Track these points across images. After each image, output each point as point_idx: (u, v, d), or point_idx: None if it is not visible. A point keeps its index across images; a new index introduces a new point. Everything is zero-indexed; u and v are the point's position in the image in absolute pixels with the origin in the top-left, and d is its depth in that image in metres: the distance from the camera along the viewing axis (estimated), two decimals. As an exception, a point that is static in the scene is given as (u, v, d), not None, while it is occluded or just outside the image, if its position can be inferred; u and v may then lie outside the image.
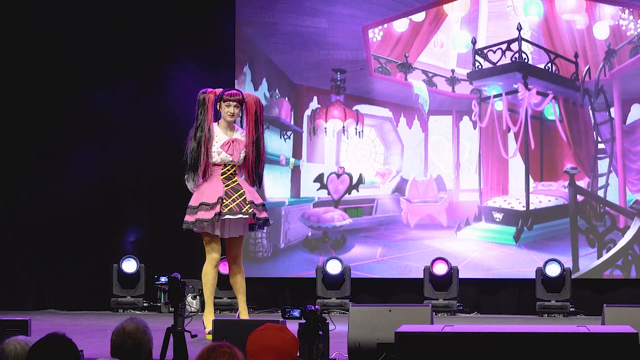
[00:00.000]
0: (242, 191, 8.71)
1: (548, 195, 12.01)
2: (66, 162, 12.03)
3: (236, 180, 8.76)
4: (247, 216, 8.71)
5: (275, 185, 12.28)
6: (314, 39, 12.24)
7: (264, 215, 8.80)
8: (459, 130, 12.18)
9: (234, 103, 8.70)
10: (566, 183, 11.94)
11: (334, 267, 11.68)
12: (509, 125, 12.05)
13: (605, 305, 7.44)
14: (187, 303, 6.51)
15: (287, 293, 12.14)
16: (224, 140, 8.72)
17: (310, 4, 12.24)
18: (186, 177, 8.81)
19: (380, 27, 12.25)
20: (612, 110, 11.88)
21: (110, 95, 12.08)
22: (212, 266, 8.73)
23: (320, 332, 6.26)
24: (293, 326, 5.69)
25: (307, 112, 12.30)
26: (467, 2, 12.18)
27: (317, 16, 12.24)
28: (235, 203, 8.66)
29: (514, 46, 12.05)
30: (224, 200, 8.65)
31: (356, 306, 7.65)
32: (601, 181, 11.89)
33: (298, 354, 4.77)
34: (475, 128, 12.14)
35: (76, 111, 12.14)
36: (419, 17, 12.23)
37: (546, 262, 11.54)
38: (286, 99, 12.29)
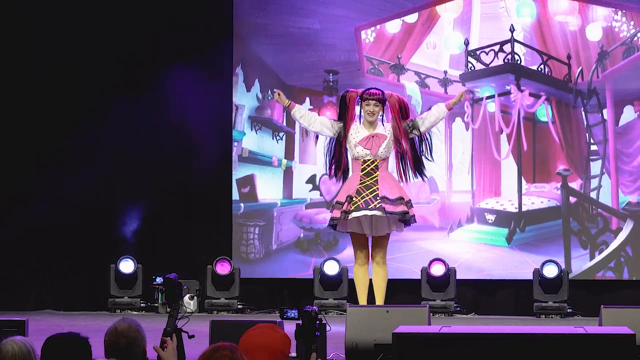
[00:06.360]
0: (375, 188, 8.52)
1: (540, 196, 12.01)
2: (65, 163, 12.02)
3: (376, 177, 8.56)
4: (373, 212, 8.45)
5: (268, 186, 12.26)
6: (307, 40, 12.22)
7: (399, 209, 8.50)
8: (452, 131, 12.17)
9: (374, 102, 8.58)
10: (559, 184, 11.94)
11: (331, 268, 11.67)
12: (502, 126, 12.05)
13: (602, 306, 7.42)
14: (183, 304, 6.47)
15: (285, 294, 12.12)
16: (363, 136, 8.63)
17: (303, 5, 12.22)
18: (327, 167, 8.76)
19: (373, 29, 12.24)
20: (604, 111, 11.89)
21: (109, 95, 12.06)
22: (358, 265, 8.65)
23: (317, 333, 6.23)
24: (291, 327, 5.67)
25: (300, 114, 12.25)
26: (460, 4, 12.17)
27: (309, 17, 12.22)
28: (364, 200, 8.50)
29: (507, 47, 12.05)
30: (354, 199, 8.50)
31: (353, 307, 7.63)
32: (594, 183, 11.90)
33: (295, 354, 4.74)
34: (467, 129, 12.14)
35: (75, 111, 12.12)
36: (411, 18, 12.22)
37: (543, 263, 11.51)
38: (279, 100, 12.26)
